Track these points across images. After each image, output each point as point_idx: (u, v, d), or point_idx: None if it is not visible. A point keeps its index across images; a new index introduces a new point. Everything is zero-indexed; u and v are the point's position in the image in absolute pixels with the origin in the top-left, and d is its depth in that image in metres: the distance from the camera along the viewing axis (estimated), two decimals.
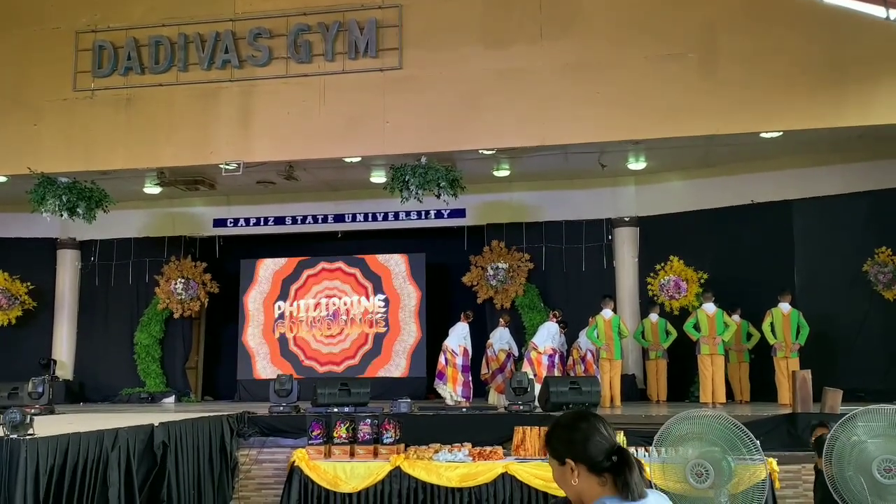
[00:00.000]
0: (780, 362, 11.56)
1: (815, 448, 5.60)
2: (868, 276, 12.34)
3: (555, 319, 12.62)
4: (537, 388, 10.81)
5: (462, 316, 12.85)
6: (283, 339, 15.58)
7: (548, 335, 12.30)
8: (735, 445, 5.14)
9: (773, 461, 8.10)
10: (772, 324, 11.70)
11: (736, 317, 12.22)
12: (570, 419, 2.64)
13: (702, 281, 13.38)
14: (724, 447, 5.17)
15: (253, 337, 15.69)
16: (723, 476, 5.10)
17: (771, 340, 11.73)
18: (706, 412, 5.40)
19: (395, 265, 15.49)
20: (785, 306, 11.71)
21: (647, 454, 8.25)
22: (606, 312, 12.21)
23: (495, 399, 12.70)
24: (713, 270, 13.45)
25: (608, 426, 2.59)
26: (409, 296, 15.27)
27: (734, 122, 10.75)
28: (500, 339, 13.09)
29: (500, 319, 13.41)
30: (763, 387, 12.12)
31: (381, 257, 15.57)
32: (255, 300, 15.80)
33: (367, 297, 15.46)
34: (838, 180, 12.66)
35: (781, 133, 10.95)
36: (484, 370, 13.06)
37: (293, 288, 15.71)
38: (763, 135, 11.03)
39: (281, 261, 15.90)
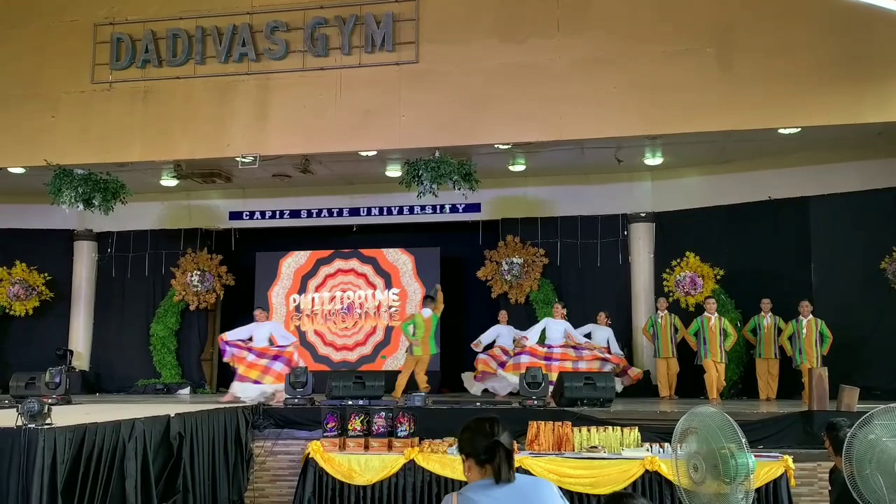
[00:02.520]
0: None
1: (832, 446, 5.57)
2: (885, 274, 12.25)
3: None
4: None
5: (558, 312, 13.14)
6: (296, 333, 15.59)
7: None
8: (724, 440, 5.11)
9: (789, 458, 8.09)
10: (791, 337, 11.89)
11: (769, 315, 12.44)
12: (467, 423, 3.29)
13: (718, 277, 13.33)
14: (713, 442, 5.16)
15: None
16: (727, 471, 5.07)
17: (788, 351, 12.02)
18: (701, 408, 5.39)
19: (410, 259, 15.48)
20: (806, 317, 11.77)
21: (661, 450, 8.27)
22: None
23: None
24: (729, 267, 13.38)
25: (498, 426, 3.20)
26: (425, 290, 15.23)
27: (752, 118, 10.69)
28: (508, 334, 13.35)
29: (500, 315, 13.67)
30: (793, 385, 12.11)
31: (396, 251, 15.57)
32: (266, 293, 15.85)
33: (382, 291, 15.47)
34: (856, 177, 12.56)
35: (799, 129, 10.87)
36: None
37: (309, 282, 15.75)
38: (781, 131, 10.96)
39: (302, 258, 15.93)
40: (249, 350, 11.76)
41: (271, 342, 12.01)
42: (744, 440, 5.01)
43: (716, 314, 12.11)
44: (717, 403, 11.07)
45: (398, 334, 14.97)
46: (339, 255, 15.80)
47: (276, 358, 11.65)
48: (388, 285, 15.37)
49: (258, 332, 12.12)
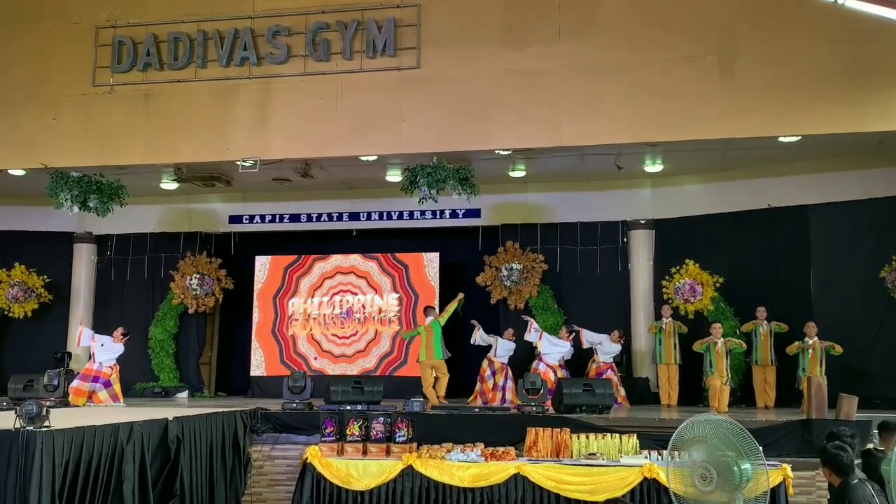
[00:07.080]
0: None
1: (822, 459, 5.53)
2: (885, 283, 12.25)
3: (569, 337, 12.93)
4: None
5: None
6: (294, 337, 15.59)
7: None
8: (737, 449, 5.12)
9: (788, 467, 8.08)
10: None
11: (764, 324, 12.44)
12: None
13: (717, 285, 13.33)
14: (727, 450, 5.16)
15: (262, 334, 15.72)
16: (732, 479, 5.07)
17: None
18: (713, 416, 5.39)
19: (410, 264, 15.46)
20: (812, 338, 11.78)
21: (660, 458, 8.26)
22: None
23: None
24: (729, 275, 13.38)
25: None
26: (425, 295, 15.22)
27: (752, 126, 10.69)
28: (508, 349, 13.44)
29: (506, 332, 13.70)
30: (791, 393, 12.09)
31: (396, 256, 15.55)
32: (264, 297, 15.83)
33: (381, 296, 15.43)
34: (857, 186, 12.58)
35: (800, 137, 10.89)
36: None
37: (307, 285, 15.73)
38: (781, 139, 10.97)
39: (291, 256, 15.92)
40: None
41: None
42: (759, 448, 5.02)
43: (721, 339, 11.97)
44: (722, 413, 11.03)
45: (405, 343, 14.97)
46: (338, 255, 15.79)
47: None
48: (388, 289, 15.34)
49: (113, 349, 12.44)
